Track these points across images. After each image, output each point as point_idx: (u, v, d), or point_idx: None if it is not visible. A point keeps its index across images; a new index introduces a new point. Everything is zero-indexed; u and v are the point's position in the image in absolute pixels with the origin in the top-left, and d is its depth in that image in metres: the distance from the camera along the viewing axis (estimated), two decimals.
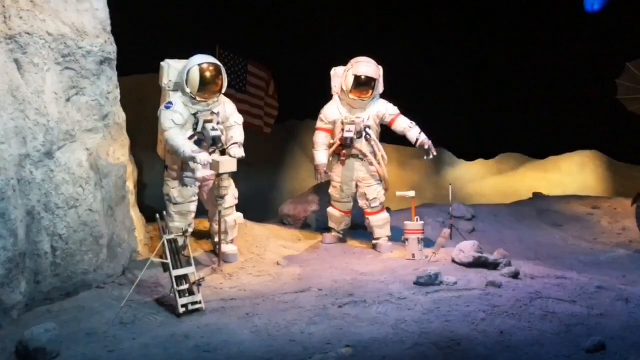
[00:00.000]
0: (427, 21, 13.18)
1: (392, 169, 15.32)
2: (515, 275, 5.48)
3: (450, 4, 13.27)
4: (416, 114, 9.09)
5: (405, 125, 7.32)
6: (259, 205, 12.34)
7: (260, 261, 6.53)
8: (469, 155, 15.42)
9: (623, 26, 12.14)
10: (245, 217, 7.37)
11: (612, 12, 11.60)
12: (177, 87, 6.36)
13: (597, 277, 6.12)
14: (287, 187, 13.81)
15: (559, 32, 13.24)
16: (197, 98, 6.21)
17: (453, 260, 5.98)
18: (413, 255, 6.50)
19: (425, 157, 7.37)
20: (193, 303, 5.01)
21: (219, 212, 6.31)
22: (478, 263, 5.73)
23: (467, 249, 5.86)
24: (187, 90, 6.18)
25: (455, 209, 9.18)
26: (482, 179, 15.47)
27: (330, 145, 7.37)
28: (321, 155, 7.39)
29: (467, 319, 4.55)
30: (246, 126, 10.13)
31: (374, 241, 7.35)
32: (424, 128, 7.62)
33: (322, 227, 8.06)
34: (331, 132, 7.42)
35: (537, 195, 10.88)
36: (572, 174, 14.87)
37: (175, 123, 6.16)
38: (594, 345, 4.07)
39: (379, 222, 7.31)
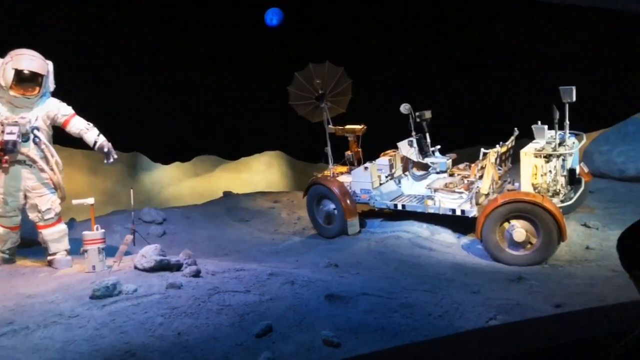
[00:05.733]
0: (105, 16, 12.44)
1: (82, 175, 14.14)
2: (197, 274, 5.55)
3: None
4: (103, 115, 8.48)
5: (82, 127, 6.73)
6: None
7: None
8: (165, 159, 15.30)
9: (295, 40, 13.72)
10: None
11: (287, 27, 12.98)
12: None
13: (273, 265, 6.71)
14: None
15: (244, 43, 14.20)
16: None
17: (136, 267, 5.73)
18: (94, 267, 6.01)
19: (105, 162, 6.92)
20: None
21: None
22: (160, 267, 5.61)
23: (149, 253, 5.68)
24: None
25: (145, 214, 8.97)
26: (180, 182, 15.54)
27: None
28: None
29: (144, 326, 4.38)
30: None
31: (49, 257, 6.55)
32: (113, 131, 7.15)
33: None
34: None
35: (227, 194, 11.43)
36: (261, 172, 16.17)
37: None
38: (262, 329, 4.38)
39: (55, 236, 6.56)
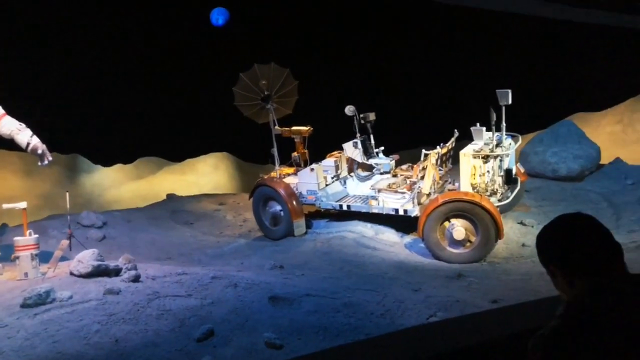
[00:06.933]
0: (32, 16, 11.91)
1: (16, 179, 13.50)
2: (136, 279, 5.40)
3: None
4: (39, 115, 8.13)
5: (13, 128, 6.42)
6: None
7: None
8: (106, 161, 14.81)
9: (241, 40, 13.59)
10: None
11: (232, 27, 12.83)
12: None
13: (217, 268, 6.61)
14: None
15: (189, 43, 13.93)
16: None
17: (72, 273, 5.51)
18: (26, 274, 5.74)
19: (40, 164, 6.63)
20: None
21: None
22: (98, 272, 5.42)
23: (86, 258, 5.48)
24: None
25: (84, 218, 8.67)
26: (122, 185, 15.08)
27: None
28: None
29: (79, 334, 4.22)
30: None
31: None
32: (50, 132, 6.87)
33: None
34: None
35: (170, 197, 11.18)
36: (207, 174, 15.91)
37: None
38: (203, 333, 4.31)
39: None
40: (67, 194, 6.80)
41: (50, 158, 6.60)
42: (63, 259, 6.23)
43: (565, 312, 1.76)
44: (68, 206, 6.66)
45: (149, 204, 11.12)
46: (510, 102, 7.10)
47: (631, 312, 1.64)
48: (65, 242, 6.22)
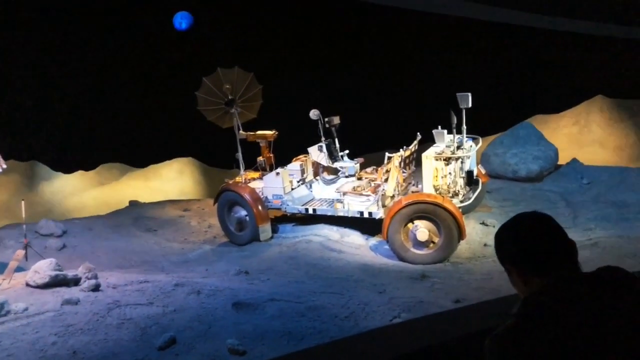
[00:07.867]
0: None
1: None
2: (96, 288, 5.28)
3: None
4: None
5: None
6: None
7: None
8: (67, 168, 14.43)
9: (204, 44, 13.47)
10: None
11: (196, 31, 12.71)
12: None
13: (181, 275, 6.52)
14: None
15: (152, 46, 13.72)
16: None
17: (28, 284, 5.34)
18: None
19: None
20: None
21: None
22: (56, 282, 5.28)
23: (43, 268, 5.32)
24: None
25: (43, 227, 8.43)
26: (84, 192, 14.71)
27: None
28: None
29: (35, 346, 4.10)
30: None
31: None
32: (6, 139, 6.66)
33: None
34: None
35: (133, 204, 10.96)
36: (172, 180, 15.65)
37: None
38: (165, 342, 4.24)
39: None
40: (23, 202, 6.60)
41: (5, 166, 6.41)
42: (19, 269, 6.05)
43: (520, 310, 1.80)
44: (24, 215, 6.47)
45: (111, 211, 10.88)
46: (470, 105, 7.24)
47: (583, 311, 1.68)
48: (20, 252, 6.03)
